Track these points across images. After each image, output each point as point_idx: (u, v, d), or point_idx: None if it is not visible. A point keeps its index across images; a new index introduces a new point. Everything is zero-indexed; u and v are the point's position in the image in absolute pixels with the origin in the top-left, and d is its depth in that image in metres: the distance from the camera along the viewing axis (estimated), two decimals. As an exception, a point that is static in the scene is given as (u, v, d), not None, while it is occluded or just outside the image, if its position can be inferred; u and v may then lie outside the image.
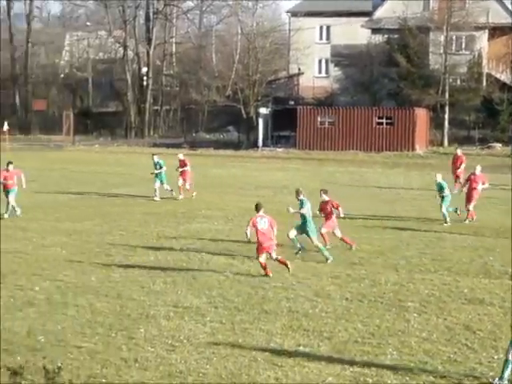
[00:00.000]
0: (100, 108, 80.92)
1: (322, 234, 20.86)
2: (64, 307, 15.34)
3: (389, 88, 65.12)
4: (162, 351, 12.80)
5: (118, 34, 76.57)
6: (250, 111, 64.95)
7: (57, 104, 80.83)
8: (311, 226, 19.89)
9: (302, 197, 20.00)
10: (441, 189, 25.94)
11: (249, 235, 18.10)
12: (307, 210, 19.84)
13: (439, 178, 26.25)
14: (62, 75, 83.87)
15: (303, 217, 19.87)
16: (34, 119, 78.63)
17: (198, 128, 71.21)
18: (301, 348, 13.04)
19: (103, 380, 11.54)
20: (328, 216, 21.16)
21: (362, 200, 31.67)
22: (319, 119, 59.60)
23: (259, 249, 18.00)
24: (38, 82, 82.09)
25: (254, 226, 17.91)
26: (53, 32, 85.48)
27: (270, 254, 18.02)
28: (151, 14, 75.19)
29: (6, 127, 55.51)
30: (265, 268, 17.96)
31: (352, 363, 12.28)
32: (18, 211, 26.40)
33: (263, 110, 62.55)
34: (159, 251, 20.71)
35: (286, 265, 18.17)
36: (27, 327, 13.93)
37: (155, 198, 30.91)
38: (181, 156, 33.20)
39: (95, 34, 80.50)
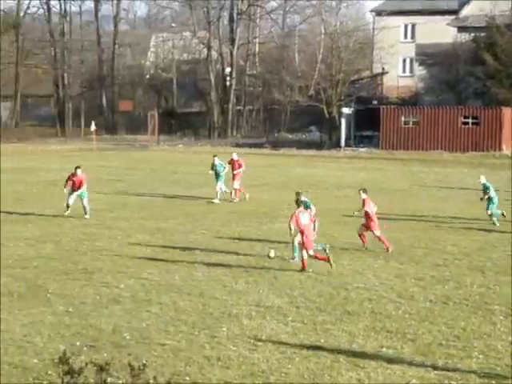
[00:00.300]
0: (184, 108, 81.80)
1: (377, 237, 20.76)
2: (148, 305, 15.54)
3: (475, 87, 63.98)
4: (244, 350, 12.84)
5: (202, 35, 77.28)
6: (333, 111, 64.68)
7: (142, 104, 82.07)
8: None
9: (303, 198, 19.64)
10: (486, 190, 25.40)
11: (293, 230, 18.39)
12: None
13: (483, 179, 25.69)
14: (148, 76, 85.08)
15: None
16: (120, 119, 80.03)
17: (280, 128, 71.28)
18: (384, 349, 12.91)
19: (187, 378, 11.64)
20: (368, 216, 20.90)
21: (447, 201, 31.19)
22: (403, 119, 58.99)
23: (305, 244, 18.28)
24: (124, 83, 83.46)
25: (297, 221, 18.26)
26: (139, 33, 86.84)
27: (307, 249, 18.29)
28: (235, 15, 75.66)
29: (93, 127, 56.59)
30: (303, 262, 18.30)
31: (436, 366, 12.11)
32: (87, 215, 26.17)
33: (346, 110, 62.25)
34: (241, 251, 20.80)
35: (326, 260, 18.38)
36: (113, 324, 14.16)
37: (214, 201, 30.33)
38: (235, 156, 32.51)
39: (180, 35, 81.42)
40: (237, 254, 20.43)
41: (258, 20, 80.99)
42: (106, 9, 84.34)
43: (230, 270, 18.51)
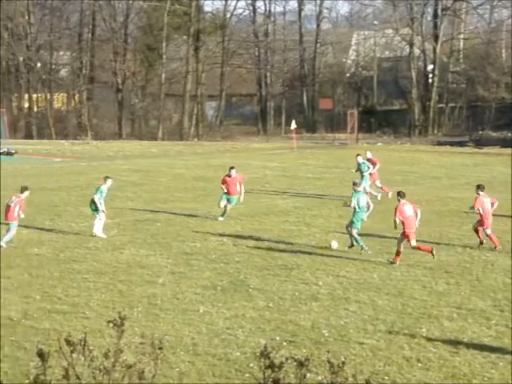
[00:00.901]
0: (384, 106, 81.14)
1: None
2: (346, 303, 15.55)
3: None
4: (444, 352, 12.57)
5: (404, 32, 76.37)
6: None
7: (342, 103, 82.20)
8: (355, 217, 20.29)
9: (356, 188, 20.75)
10: None
11: (398, 223, 18.95)
12: (354, 202, 20.30)
13: None
14: (348, 74, 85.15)
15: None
16: (320, 118, 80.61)
17: (484, 126, 69.16)
18: None
19: (386, 377, 11.55)
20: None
21: None
22: None
23: (406, 234, 18.78)
24: (325, 82, 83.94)
25: (402, 213, 18.81)
26: (340, 32, 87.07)
27: (409, 241, 18.82)
28: (439, 11, 74.19)
29: (293, 126, 57.28)
30: (398, 255, 18.79)
31: None
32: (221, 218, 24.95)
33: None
34: (442, 251, 20.34)
35: (430, 251, 18.92)
36: (312, 321, 14.28)
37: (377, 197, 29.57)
38: (369, 154, 31.48)
39: (382, 33, 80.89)
40: (437, 254, 19.96)
41: (463, 15, 78.97)
42: (309, 8, 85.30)
43: (429, 271, 18.18)
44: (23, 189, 21.62)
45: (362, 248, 20.20)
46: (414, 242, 19.03)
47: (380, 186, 30.56)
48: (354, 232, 20.44)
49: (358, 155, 30.69)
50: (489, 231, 20.78)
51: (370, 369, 11.80)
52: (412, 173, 40.79)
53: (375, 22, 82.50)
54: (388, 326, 14.00)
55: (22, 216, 21.35)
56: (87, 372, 6.19)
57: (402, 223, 18.95)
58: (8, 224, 21.05)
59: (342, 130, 73.01)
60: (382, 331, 13.68)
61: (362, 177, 29.82)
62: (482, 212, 20.79)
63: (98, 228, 22.19)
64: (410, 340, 13.18)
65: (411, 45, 75.05)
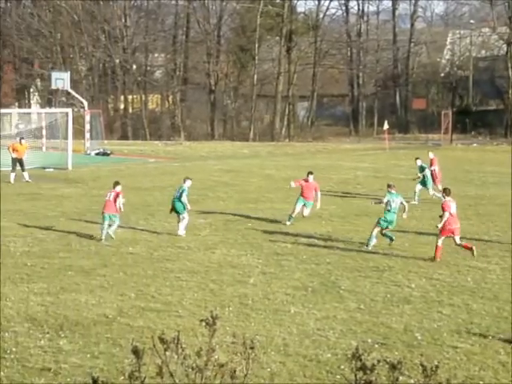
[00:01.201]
0: (480, 106, 79.67)
1: None
2: (440, 306, 15.32)
3: None
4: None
5: (502, 31, 74.79)
6: None
7: (436, 103, 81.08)
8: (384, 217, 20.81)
9: (390, 190, 21.12)
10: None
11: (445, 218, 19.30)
12: (384, 200, 20.95)
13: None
14: (443, 74, 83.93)
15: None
16: (413, 118, 79.68)
17: None
18: None
19: (480, 382, 11.34)
20: None
21: None
22: None
23: (443, 231, 19.21)
24: (418, 82, 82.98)
25: (446, 210, 19.22)
26: (435, 31, 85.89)
27: (454, 237, 19.28)
28: (537, 9, 72.42)
29: (385, 126, 56.81)
30: (437, 251, 19.16)
31: None
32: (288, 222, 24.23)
33: None
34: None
35: (470, 249, 19.32)
36: (404, 323, 14.12)
37: (411, 202, 28.02)
38: (431, 155, 31.17)
39: (478, 32, 79.44)
40: (534, 258, 19.53)
41: None
42: (404, 7, 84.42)
43: (526, 275, 17.75)
44: (115, 184, 22.51)
45: (367, 245, 20.75)
46: (457, 239, 19.61)
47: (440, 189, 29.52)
48: (376, 230, 20.89)
49: (417, 159, 30.49)
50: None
51: (464, 373, 11.60)
52: (508, 174, 39.88)
53: (471, 21, 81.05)
54: (483, 330, 13.74)
55: (122, 209, 22.19)
56: (180, 370, 6.26)
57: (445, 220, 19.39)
58: (110, 217, 21.86)
59: (435, 130, 71.96)
60: (477, 335, 13.43)
61: (424, 180, 29.76)
62: None
63: (183, 227, 22.49)
64: (505, 345, 12.90)
65: (509, 43, 73.49)
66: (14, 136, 44.43)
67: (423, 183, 30.07)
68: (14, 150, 35.65)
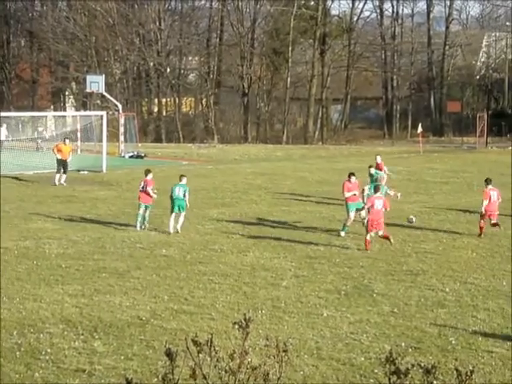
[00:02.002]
0: (515, 109, 78.95)
1: None
2: (474, 310, 15.20)
3: None
4: None
5: (537, 33, 74.09)
6: None
7: (471, 106, 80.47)
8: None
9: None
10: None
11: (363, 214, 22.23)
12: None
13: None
14: (478, 76, 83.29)
15: None
16: (447, 121, 79.14)
17: None
18: None
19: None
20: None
21: None
22: None
23: (370, 226, 20.95)
24: (453, 84, 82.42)
25: (372, 205, 21.09)
26: (470, 33, 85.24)
27: (377, 231, 21.05)
28: None
29: (419, 130, 56.45)
30: (481, 229, 22.74)
31: None
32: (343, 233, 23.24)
33: None
34: None
35: (388, 238, 20.99)
36: (438, 328, 14.03)
37: None
38: (378, 159, 30.08)
39: (514, 34, 78.76)
40: None
41: None
42: (438, 10, 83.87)
43: (562, 280, 17.55)
44: (146, 171, 24.82)
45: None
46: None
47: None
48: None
49: (370, 167, 28.53)
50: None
51: (499, 378, 11.50)
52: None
53: (507, 23, 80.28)
54: (519, 335, 13.61)
55: (155, 195, 24.09)
56: (213, 372, 6.27)
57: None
58: (146, 207, 23.88)
59: (470, 133, 71.39)
60: (513, 340, 13.30)
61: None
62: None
63: (181, 224, 23.43)
64: (541, 350, 12.77)
65: (544, 46, 72.76)
66: (53, 138, 44.86)
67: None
68: (58, 150, 35.94)
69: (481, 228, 23.08)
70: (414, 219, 23.78)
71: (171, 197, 23.59)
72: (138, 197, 24.21)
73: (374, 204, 21.18)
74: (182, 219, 23.61)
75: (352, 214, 23.45)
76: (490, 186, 23.58)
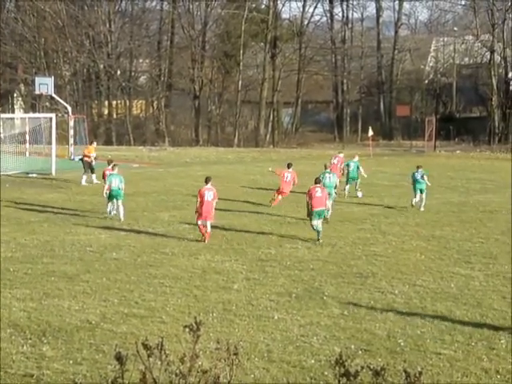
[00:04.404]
0: (463, 113, 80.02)
1: None
2: (423, 312, 15.35)
3: None
4: (523, 365, 12.30)
5: (485, 38, 75.20)
6: None
7: (420, 110, 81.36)
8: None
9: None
10: None
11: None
12: None
13: None
14: (426, 81, 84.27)
15: None
16: (397, 125, 79.93)
17: None
18: None
19: (462, 389, 11.37)
20: None
21: None
22: None
23: (199, 216, 22.27)
24: (402, 88, 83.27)
25: (202, 196, 22.25)
26: (419, 38, 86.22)
27: (206, 220, 22.19)
28: (522, 17, 72.84)
29: (370, 133, 56.92)
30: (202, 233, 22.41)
31: None
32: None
33: None
34: (522, 261, 19.94)
35: (203, 235, 22.23)
36: (387, 330, 14.14)
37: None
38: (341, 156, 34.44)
39: (461, 39, 79.86)
40: (517, 264, 19.63)
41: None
42: (388, 15, 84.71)
43: (509, 281, 17.82)
44: (109, 162, 29.02)
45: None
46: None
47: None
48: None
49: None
50: None
51: (447, 379, 11.63)
52: (491, 181, 40.11)
53: (455, 29, 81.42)
54: (466, 336, 13.78)
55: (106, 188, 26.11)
56: (164, 376, 6.25)
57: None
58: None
59: (419, 137, 72.24)
60: (460, 342, 13.47)
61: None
62: None
63: (122, 213, 25.58)
64: (488, 351, 12.95)
65: (492, 51, 73.84)
66: (1, 140, 44.29)
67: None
68: (88, 152, 37.04)
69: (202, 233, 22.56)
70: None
71: (109, 187, 25.86)
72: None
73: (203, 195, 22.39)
74: (121, 208, 25.48)
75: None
76: (208, 185, 22.71)
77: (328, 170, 28.22)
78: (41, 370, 12.05)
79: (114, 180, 25.99)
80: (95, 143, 40.17)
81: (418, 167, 30.04)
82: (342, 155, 35.41)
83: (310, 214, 22.70)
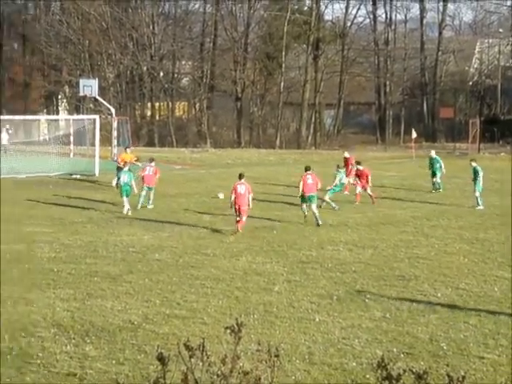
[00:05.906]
0: (508, 115, 79.10)
1: None
2: (466, 316, 15.21)
3: None
4: None
5: (530, 40, 74.32)
6: None
7: (464, 111, 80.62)
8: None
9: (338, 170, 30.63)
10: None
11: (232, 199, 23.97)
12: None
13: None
14: (470, 83, 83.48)
15: None
16: (440, 127, 79.28)
17: None
18: None
19: (505, 394, 11.25)
20: None
21: None
22: None
23: (234, 207, 23.81)
24: (446, 90, 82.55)
25: (236, 190, 23.93)
26: (463, 39, 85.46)
27: (242, 214, 23.76)
28: None
29: (414, 135, 56.52)
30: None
31: None
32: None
33: None
34: None
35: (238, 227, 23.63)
36: (429, 333, 14.03)
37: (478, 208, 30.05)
38: (346, 154, 35.40)
39: (507, 41, 78.98)
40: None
41: None
42: (431, 16, 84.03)
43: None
44: (151, 159, 30.34)
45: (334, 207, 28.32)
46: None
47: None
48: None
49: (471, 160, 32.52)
50: None
51: (490, 384, 11.52)
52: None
53: (500, 30, 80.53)
54: (510, 340, 13.61)
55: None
56: (205, 377, 6.27)
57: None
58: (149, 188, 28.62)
59: (463, 139, 71.53)
60: (504, 346, 13.32)
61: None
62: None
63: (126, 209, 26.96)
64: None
65: (537, 53, 72.96)
66: (46, 142, 44.76)
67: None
68: (122, 159, 33.60)
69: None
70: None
71: (117, 185, 27.81)
72: (142, 179, 28.51)
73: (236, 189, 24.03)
74: (126, 204, 27.12)
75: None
76: (242, 180, 24.60)
77: (343, 170, 31.59)
78: (84, 369, 12.16)
79: (123, 176, 27.65)
80: (131, 148, 37.27)
81: (471, 160, 32.86)
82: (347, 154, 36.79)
83: (301, 198, 25.97)
